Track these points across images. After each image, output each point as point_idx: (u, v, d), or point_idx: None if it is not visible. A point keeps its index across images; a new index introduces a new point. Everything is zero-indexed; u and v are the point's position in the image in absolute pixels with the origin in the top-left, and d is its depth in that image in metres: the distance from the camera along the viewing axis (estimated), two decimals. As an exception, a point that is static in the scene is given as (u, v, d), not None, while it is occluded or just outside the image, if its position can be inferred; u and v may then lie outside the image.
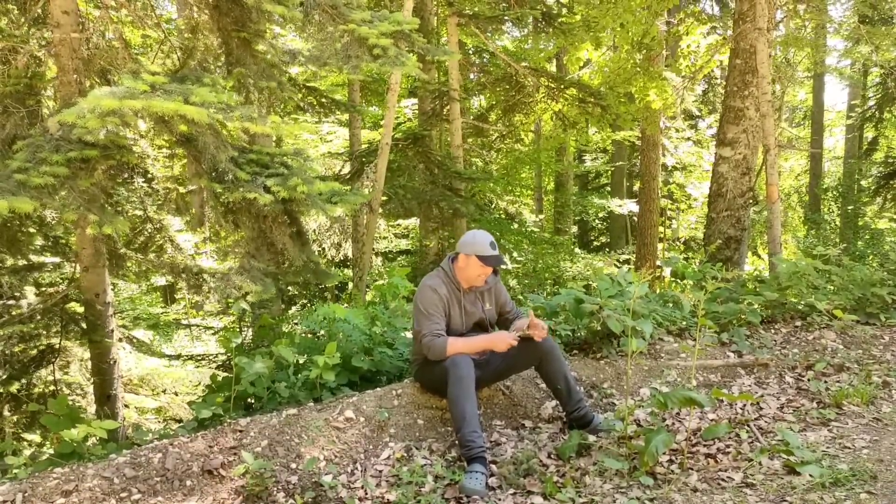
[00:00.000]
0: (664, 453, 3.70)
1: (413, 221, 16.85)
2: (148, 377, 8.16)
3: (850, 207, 20.64)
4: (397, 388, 4.33)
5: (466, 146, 11.60)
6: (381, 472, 3.77)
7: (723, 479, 3.58)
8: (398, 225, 18.25)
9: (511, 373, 4.34)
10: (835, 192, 22.87)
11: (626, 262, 16.41)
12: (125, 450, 3.69)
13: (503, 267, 4.27)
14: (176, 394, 8.98)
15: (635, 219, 18.14)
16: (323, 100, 7.09)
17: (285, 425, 3.89)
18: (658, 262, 14.42)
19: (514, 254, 12.55)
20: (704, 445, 3.97)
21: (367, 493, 3.54)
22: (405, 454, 3.91)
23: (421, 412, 4.20)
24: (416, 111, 15.65)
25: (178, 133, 4.43)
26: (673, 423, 4.31)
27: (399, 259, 18.76)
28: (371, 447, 3.93)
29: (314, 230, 16.43)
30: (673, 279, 6.88)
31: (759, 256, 17.47)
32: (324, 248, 17.23)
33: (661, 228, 14.59)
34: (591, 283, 14.58)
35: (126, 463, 3.49)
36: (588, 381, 4.72)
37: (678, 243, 16.93)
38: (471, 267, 4.05)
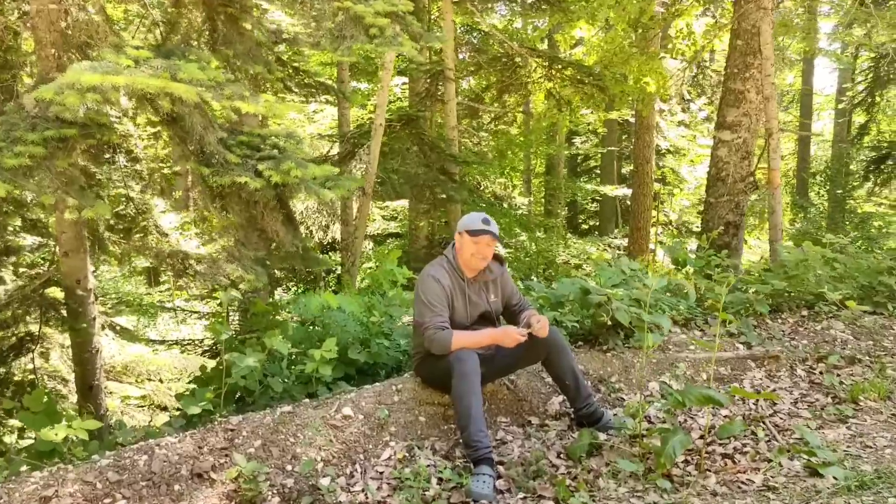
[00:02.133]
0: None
1: (402, 203, 16.58)
2: (132, 364, 7.91)
3: (839, 192, 20.62)
4: (397, 382, 4.11)
5: (461, 128, 11.34)
6: (381, 473, 3.56)
7: (743, 482, 3.40)
8: (386, 207, 17.96)
9: (517, 368, 4.14)
10: (823, 176, 22.83)
11: (618, 247, 16.26)
12: (108, 451, 3.46)
13: (504, 252, 4.04)
14: (161, 381, 8.73)
15: (627, 202, 17.99)
16: (310, 81, 6.81)
17: (279, 424, 3.67)
18: (651, 247, 14.29)
19: (505, 239, 12.33)
20: (720, 444, 3.79)
21: (367, 498, 3.33)
22: (407, 454, 3.70)
23: (422, 409, 3.99)
24: (406, 90, 15.33)
25: (163, 112, 4.16)
26: (685, 420, 4.12)
27: (388, 242, 18.49)
28: (371, 447, 3.72)
29: (301, 212, 16.14)
30: (676, 266, 6.68)
31: (746, 242, 17.36)
32: (311, 231, 16.94)
33: (653, 213, 14.41)
34: (584, 266, 14.41)
35: (110, 466, 3.25)
36: (595, 375, 4.52)
37: (671, 227, 16.78)
38: (465, 245, 3.85)
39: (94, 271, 5.96)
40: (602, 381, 4.51)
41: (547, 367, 4.02)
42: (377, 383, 4.12)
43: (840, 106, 22.02)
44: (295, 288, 17.83)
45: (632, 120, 15.69)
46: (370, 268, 10.52)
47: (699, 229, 17.83)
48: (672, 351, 4.90)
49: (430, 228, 14.12)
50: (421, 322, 3.78)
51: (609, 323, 4.50)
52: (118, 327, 6.85)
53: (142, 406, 8.08)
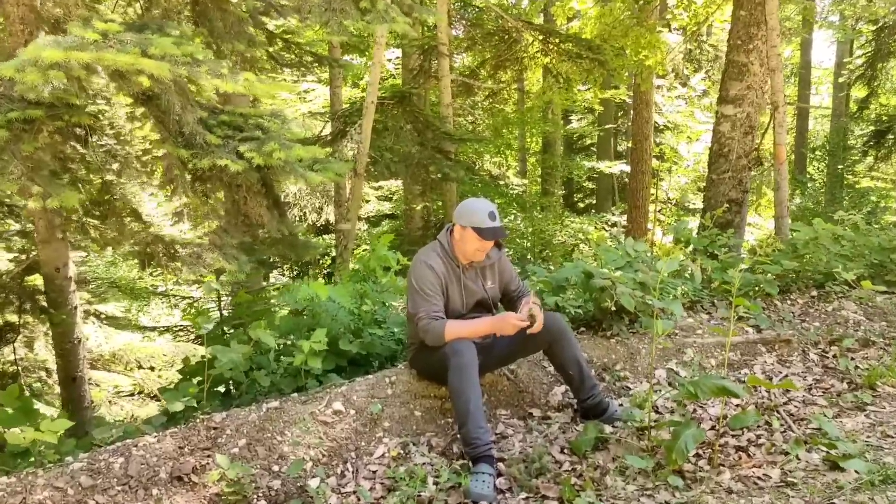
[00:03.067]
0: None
1: (397, 184, 16.29)
2: (121, 353, 7.68)
3: (839, 167, 20.39)
4: (390, 374, 3.89)
5: (457, 105, 11.05)
6: (374, 472, 3.35)
7: (759, 478, 3.19)
8: (381, 187, 17.67)
9: (517, 357, 3.92)
10: (822, 152, 22.59)
11: (616, 224, 16.03)
12: (83, 452, 3.24)
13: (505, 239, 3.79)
14: (152, 368, 8.51)
15: (624, 180, 17.72)
16: (302, 54, 6.51)
17: (266, 421, 3.45)
18: (649, 226, 14.06)
19: (504, 220, 12.06)
20: (733, 436, 3.58)
21: (359, 500, 3.12)
22: (402, 451, 3.48)
23: (418, 402, 3.77)
24: (399, 65, 14.99)
25: (138, 90, 3.89)
26: (695, 410, 3.92)
27: (383, 224, 18.24)
28: (363, 444, 3.51)
29: (294, 194, 15.83)
30: (679, 246, 6.45)
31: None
32: (305, 213, 16.65)
33: (651, 190, 14.16)
34: (582, 246, 14.17)
35: (83, 469, 3.04)
36: (599, 363, 4.31)
37: (669, 205, 16.53)
38: (467, 240, 3.58)
39: (84, 258, 5.73)
40: (606, 369, 4.30)
41: (549, 357, 3.80)
42: (370, 375, 3.90)
43: (840, 80, 21.72)
44: (290, 272, 17.62)
45: (629, 100, 15.39)
46: (365, 250, 10.29)
47: (698, 206, 17.64)
48: (679, 336, 4.68)
49: (425, 209, 13.86)
50: (414, 312, 3.55)
51: (613, 308, 4.28)
52: (103, 315, 6.62)
53: (132, 395, 7.87)
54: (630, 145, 14.61)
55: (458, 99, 11.37)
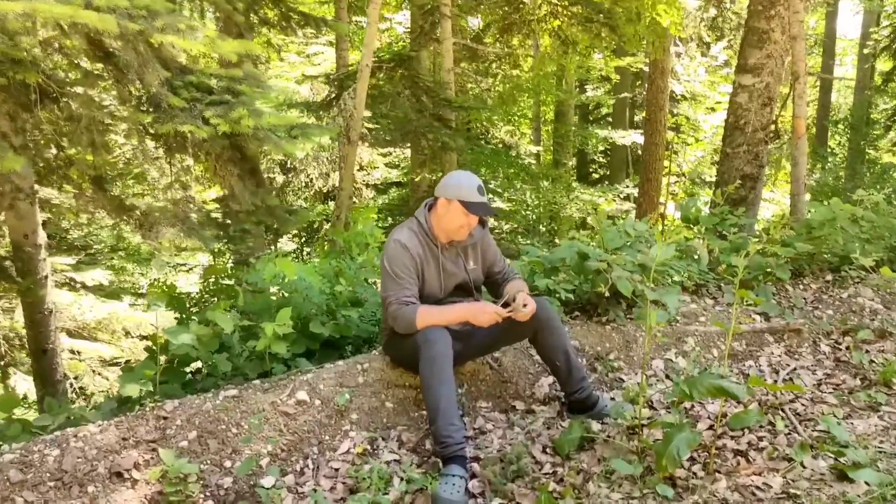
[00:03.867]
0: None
1: (405, 151, 15.88)
2: (106, 321, 7.44)
3: (861, 142, 19.81)
4: (363, 361, 3.60)
5: (459, 70, 10.62)
6: (337, 471, 3.07)
7: (758, 487, 2.88)
8: (388, 154, 17.28)
9: (500, 346, 3.61)
10: (845, 125, 21.95)
11: (628, 197, 15.60)
12: (16, 443, 2.97)
13: (491, 218, 3.46)
14: (143, 338, 8.28)
15: (638, 151, 17.25)
16: (289, 13, 6.14)
17: (221, 411, 3.17)
18: (662, 200, 13.65)
19: (506, 193, 11.66)
20: (732, 437, 3.27)
21: (316, 502, 2.84)
22: (369, 447, 3.20)
23: (390, 392, 3.48)
24: (410, 29, 14.51)
25: (94, 47, 3.57)
26: (692, 407, 3.60)
27: (390, 191, 17.88)
28: (327, 438, 3.22)
29: (301, 160, 15.48)
30: (686, 224, 6.09)
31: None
32: (311, 179, 16.31)
33: (665, 163, 13.71)
34: (588, 219, 13.78)
35: (13, 462, 2.77)
36: (591, 352, 4.00)
37: (683, 179, 16.06)
38: (452, 215, 3.26)
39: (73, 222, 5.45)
40: (599, 358, 3.99)
41: (535, 346, 3.49)
42: (340, 361, 3.61)
43: (865, 51, 21.02)
44: (297, 239, 17.34)
45: (646, 69, 14.86)
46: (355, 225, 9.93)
47: (704, 177, 17.16)
48: (680, 323, 4.35)
49: (430, 178, 13.49)
50: (385, 296, 3.25)
51: (608, 294, 3.95)
52: (79, 284, 6.37)
53: (116, 364, 7.66)
54: (645, 115, 14.12)
55: (463, 64, 10.94)
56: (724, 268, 4.97)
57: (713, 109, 15.78)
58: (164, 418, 3.11)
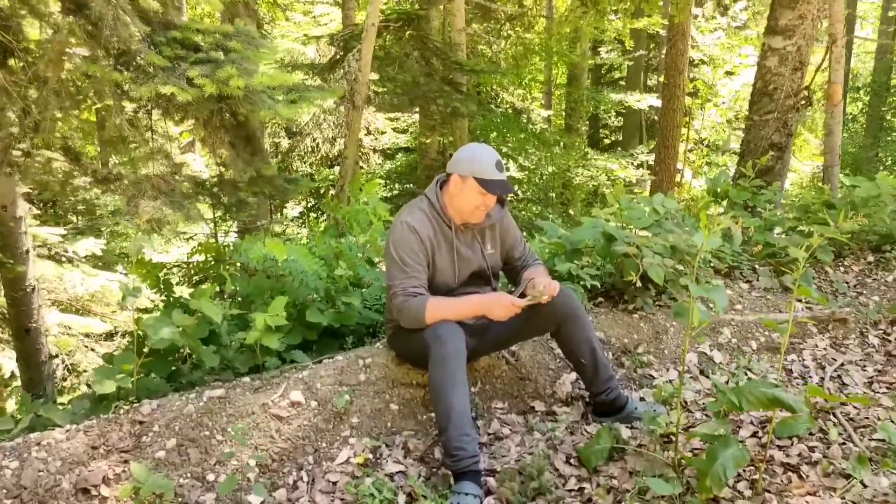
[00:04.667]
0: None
1: (414, 116, 15.38)
2: (99, 294, 7.09)
3: (882, 108, 19.24)
4: (365, 355, 3.22)
5: (470, 31, 10.10)
6: (335, 484, 2.71)
7: (814, 511, 2.53)
8: (397, 119, 16.76)
9: (518, 340, 3.24)
10: (865, 90, 21.32)
11: (642, 165, 15.11)
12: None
13: (511, 196, 3.06)
14: (145, 310, 7.94)
15: (653, 116, 16.69)
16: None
17: (205, 414, 2.81)
18: (679, 167, 13.17)
19: (520, 159, 11.16)
20: (780, 448, 2.90)
21: (310, 524, 2.50)
22: (371, 457, 2.84)
23: (395, 392, 3.11)
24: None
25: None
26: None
27: (398, 157, 17.38)
28: (324, 445, 2.87)
29: (306, 124, 15.01)
30: (713, 198, 5.67)
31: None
32: (317, 144, 15.84)
33: (682, 129, 13.19)
34: (605, 188, 13.29)
35: (-34, 477, 2.43)
36: (618, 344, 3.62)
37: (701, 146, 15.53)
38: (467, 193, 2.86)
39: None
40: (626, 351, 3.61)
41: (558, 341, 3.11)
42: (340, 356, 3.24)
43: (889, 14, 20.33)
44: (304, 202, 16.92)
45: (662, 31, 14.26)
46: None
47: (730, 148, 16.61)
48: (714, 309, 3.96)
49: (440, 144, 13.02)
50: (390, 285, 2.86)
51: (638, 284, 3.55)
52: (70, 254, 6.01)
53: (111, 337, 7.34)
54: (662, 80, 13.56)
55: (475, 25, 10.42)
56: (759, 248, 4.60)
57: (731, 73, 15.18)
58: (141, 423, 2.76)
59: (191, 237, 10.65)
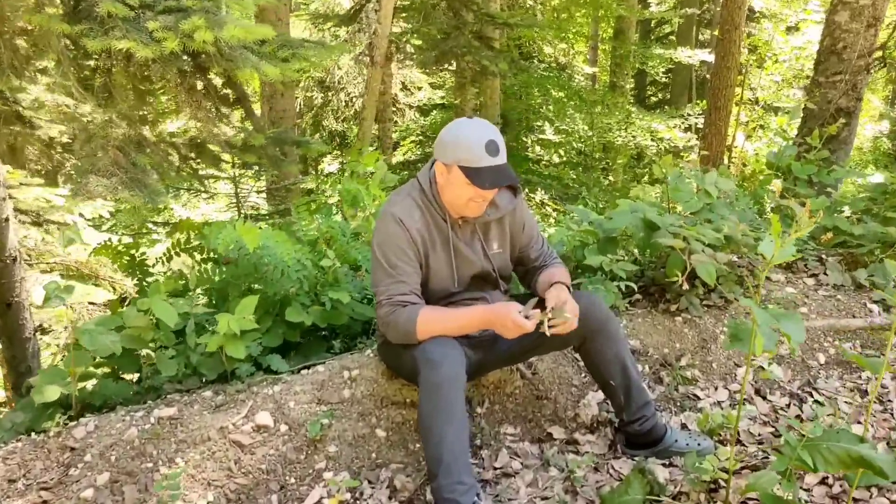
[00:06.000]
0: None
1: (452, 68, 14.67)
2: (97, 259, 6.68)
3: (954, 68, 17.89)
4: (351, 365, 2.70)
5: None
6: (300, 534, 2.23)
7: None
8: (434, 73, 16.03)
9: (532, 355, 2.68)
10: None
11: (690, 128, 14.22)
12: None
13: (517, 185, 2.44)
14: (144, 272, 7.54)
15: (704, 74, 15.71)
16: None
17: (150, 440, 2.33)
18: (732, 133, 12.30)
19: (557, 122, 10.41)
20: (859, 499, 2.33)
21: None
22: (349, 497, 2.34)
23: (384, 413, 2.59)
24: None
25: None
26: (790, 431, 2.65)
27: (433, 114, 16.70)
28: (293, 482, 2.37)
29: (337, 80, 14.39)
30: (771, 172, 4.98)
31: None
32: (351, 98, 15.24)
33: (737, 90, 12.28)
34: (649, 153, 12.47)
35: None
36: (656, 355, 3.04)
37: (756, 108, 14.55)
38: (454, 186, 2.27)
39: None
40: (666, 364, 3.03)
41: (583, 358, 2.55)
42: (320, 366, 2.72)
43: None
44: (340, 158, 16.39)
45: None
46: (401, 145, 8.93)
47: (791, 113, 15.56)
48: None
49: (476, 102, 12.34)
50: (375, 291, 2.32)
51: (686, 287, 2.96)
52: (44, 223, 5.61)
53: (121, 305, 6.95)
54: (716, 34, 12.61)
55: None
56: (829, 236, 3.96)
57: (797, 29, 14.11)
58: (72, 449, 2.30)
59: (212, 196, 10.23)
